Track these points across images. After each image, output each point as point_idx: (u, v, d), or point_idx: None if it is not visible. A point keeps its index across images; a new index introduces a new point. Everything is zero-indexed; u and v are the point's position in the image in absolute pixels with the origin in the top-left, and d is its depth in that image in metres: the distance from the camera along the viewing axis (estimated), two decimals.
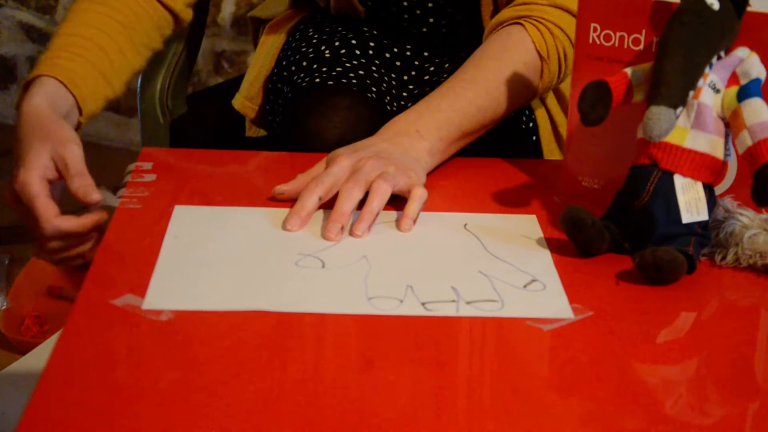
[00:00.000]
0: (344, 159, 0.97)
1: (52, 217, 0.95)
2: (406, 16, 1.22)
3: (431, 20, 1.22)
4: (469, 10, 1.21)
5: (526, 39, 1.09)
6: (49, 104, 1.00)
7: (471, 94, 1.05)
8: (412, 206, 0.95)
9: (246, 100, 1.27)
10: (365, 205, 0.94)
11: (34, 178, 0.95)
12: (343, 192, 0.94)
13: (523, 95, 1.11)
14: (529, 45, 1.09)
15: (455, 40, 1.23)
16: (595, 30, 0.96)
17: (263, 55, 1.27)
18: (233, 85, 1.36)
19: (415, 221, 0.95)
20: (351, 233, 0.93)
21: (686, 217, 0.88)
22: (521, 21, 1.10)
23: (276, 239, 0.91)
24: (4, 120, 2.67)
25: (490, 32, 1.13)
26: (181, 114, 1.41)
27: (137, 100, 1.42)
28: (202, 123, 1.43)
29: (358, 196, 0.94)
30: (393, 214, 0.97)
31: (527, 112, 1.21)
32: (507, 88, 1.07)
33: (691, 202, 0.88)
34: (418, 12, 1.22)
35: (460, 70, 1.09)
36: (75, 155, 0.97)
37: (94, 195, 0.96)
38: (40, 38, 2.60)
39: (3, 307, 1.79)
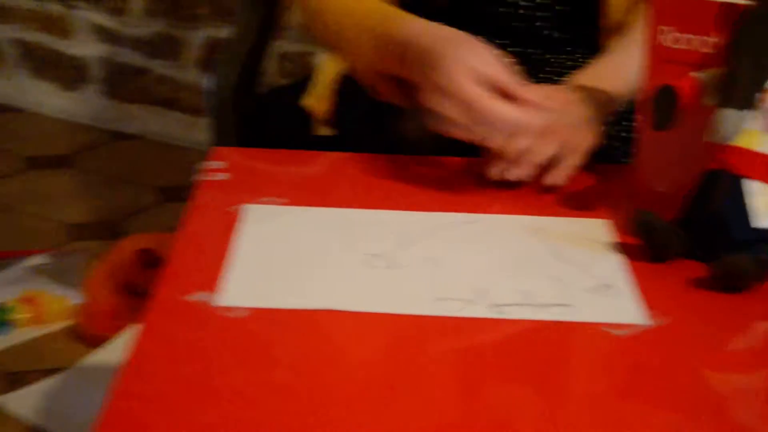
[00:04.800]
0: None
1: (491, 104, 0.93)
2: (502, 10, 1.20)
3: (528, 14, 1.20)
4: (582, 12, 1.19)
5: None
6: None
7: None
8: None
9: (317, 100, 1.28)
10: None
11: (464, 71, 0.94)
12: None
13: None
14: None
15: (547, 38, 1.22)
16: (664, 33, 0.95)
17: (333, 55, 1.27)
18: (300, 85, 1.37)
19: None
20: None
21: (760, 222, 0.87)
22: None
23: (345, 239, 0.92)
24: (77, 119, 2.72)
25: None
26: (248, 113, 1.43)
27: (206, 99, 1.44)
28: (269, 122, 1.44)
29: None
30: (461, 216, 0.97)
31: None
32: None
33: (764, 206, 0.87)
34: (521, 12, 1.20)
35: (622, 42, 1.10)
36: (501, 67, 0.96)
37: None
38: (112, 39, 2.65)
39: (78, 302, 1.83)
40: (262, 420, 0.68)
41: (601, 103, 1.05)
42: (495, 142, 0.97)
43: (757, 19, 0.87)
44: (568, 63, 1.19)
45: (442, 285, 0.85)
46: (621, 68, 1.07)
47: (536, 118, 0.96)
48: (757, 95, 0.86)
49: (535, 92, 0.97)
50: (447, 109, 0.96)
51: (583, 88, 1.05)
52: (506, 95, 0.96)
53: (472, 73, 0.95)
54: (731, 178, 0.87)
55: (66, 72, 2.72)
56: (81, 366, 1.70)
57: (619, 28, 1.18)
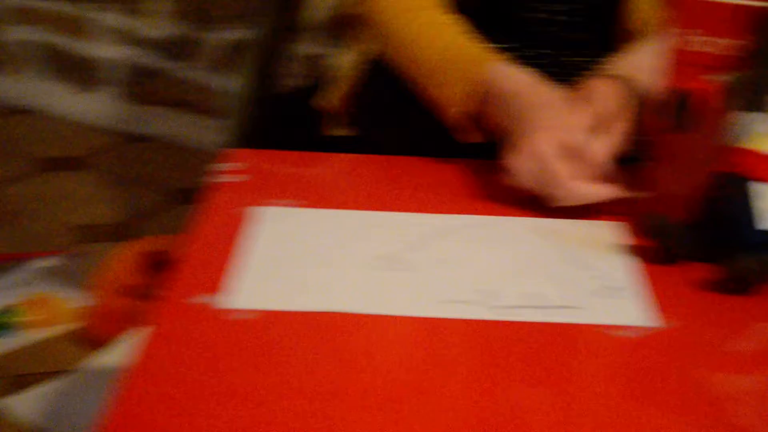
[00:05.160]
0: None
1: (566, 180, 0.96)
2: (542, 17, 1.20)
3: (563, 18, 1.20)
4: (607, 16, 1.19)
5: None
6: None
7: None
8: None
9: (333, 101, 1.28)
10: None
11: (549, 140, 0.97)
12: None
13: None
14: None
15: (586, 42, 1.21)
16: (689, 36, 0.94)
17: (353, 56, 1.27)
18: (317, 86, 1.37)
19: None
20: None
21: None
22: None
23: (357, 241, 0.92)
24: (92, 121, 2.73)
25: None
26: (266, 115, 1.43)
27: (224, 101, 1.44)
28: (285, 124, 1.44)
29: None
30: (471, 218, 0.97)
31: None
32: None
33: None
34: (556, 18, 1.20)
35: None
36: (581, 139, 0.98)
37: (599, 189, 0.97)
38: (129, 41, 2.65)
39: (85, 304, 1.83)
40: (269, 422, 0.68)
41: (638, 91, 1.04)
42: (562, 204, 0.97)
43: None
44: (598, 66, 1.19)
45: (450, 287, 0.84)
46: (643, 66, 1.06)
47: (606, 195, 0.97)
48: None
49: (608, 163, 0.98)
50: (528, 173, 0.97)
51: (618, 77, 1.05)
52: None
53: (557, 142, 0.96)
54: (743, 181, 0.87)
55: (82, 74, 2.73)
56: (86, 369, 1.70)
57: (641, 32, 1.17)
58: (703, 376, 0.75)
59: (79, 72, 2.73)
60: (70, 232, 2.18)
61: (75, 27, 2.71)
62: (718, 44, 0.93)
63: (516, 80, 1.03)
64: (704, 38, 0.94)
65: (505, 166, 0.99)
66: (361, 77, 1.25)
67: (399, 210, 0.98)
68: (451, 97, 1.05)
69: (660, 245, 0.88)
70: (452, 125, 1.06)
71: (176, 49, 2.61)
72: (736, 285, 0.84)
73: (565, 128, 0.97)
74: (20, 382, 1.68)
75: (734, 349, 0.79)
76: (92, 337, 1.76)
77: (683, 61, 0.95)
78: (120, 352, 1.70)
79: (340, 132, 1.29)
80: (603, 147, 0.98)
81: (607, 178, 0.97)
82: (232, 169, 1.06)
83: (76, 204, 2.30)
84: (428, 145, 1.11)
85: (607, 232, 0.95)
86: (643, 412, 0.71)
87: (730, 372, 0.76)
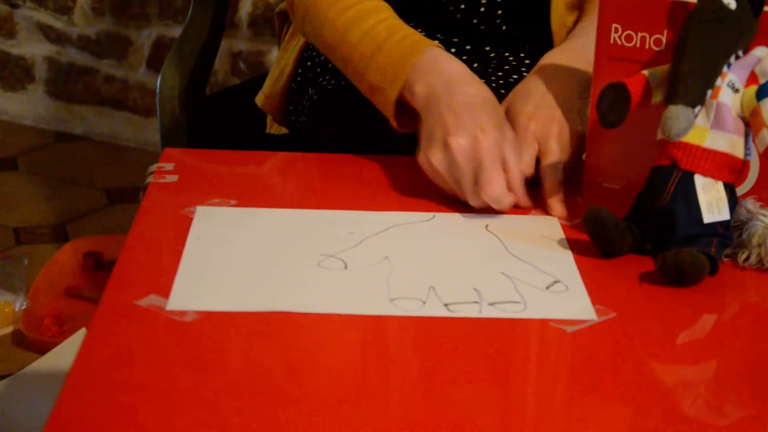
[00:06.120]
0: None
1: (500, 188, 0.94)
2: (463, 7, 1.20)
3: (482, 10, 1.20)
4: (533, 6, 1.19)
5: None
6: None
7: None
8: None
9: (269, 98, 1.27)
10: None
11: (498, 142, 0.95)
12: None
13: None
14: None
15: (506, 35, 1.22)
16: (616, 31, 0.96)
17: (288, 53, 1.26)
18: (251, 85, 1.36)
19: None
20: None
21: (707, 217, 0.88)
22: None
23: (298, 240, 0.92)
24: (22, 120, 2.69)
25: None
26: (199, 113, 1.42)
27: (156, 99, 1.42)
28: (220, 122, 1.44)
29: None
30: (415, 215, 0.97)
31: None
32: None
33: (712, 201, 0.88)
34: (481, 11, 1.19)
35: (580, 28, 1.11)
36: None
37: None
38: (58, 39, 2.61)
39: (23, 307, 1.80)
40: (215, 424, 0.68)
41: (579, 87, 1.04)
42: (476, 204, 0.97)
43: (704, 16, 0.87)
44: (526, 61, 1.20)
45: (396, 285, 0.85)
46: (583, 56, 1.07)
47: (526, 204, 0.98)
48: (708, 92, 0.87)
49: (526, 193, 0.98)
50: (461, 166, 0.95)
51: (555, 76, 1.05)
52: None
53: (494, 143, 0.95)
54: (679, 173, 0.88)
55: (10, 72, 2.68)
56: (25, 372, 1.67)
57: (565, 28, 1.18)
58: (648, 367, 0.77)
59: (8, 71, 2.69)
60: (4, 234, 2.15)
61: (2, 25, 2.66)
62: (648, 39, 0.95)
63: (455, 67, 1.01)
64: (633, 33, 0.95)
65: (423, 159, 0.97)
66: (292, 74, 1.24)
67: (339, 208, 0.98)
68: (386, 80, 1.02)
69: (600, 239, 0.90)
70: (386, 113, 1.03)
71: (109, 46, 2.57)
72: (673, 277, 0.86)
73: (502, 131, 0.96)
74: None
75: (673, 339, 0.81)
76: (31, 340, 1.73)
77: (615, 56, 0.96)
78: (61, 356, 1.68)
79: (281, 130, 1.29)
80: (531, 159, 0.98)
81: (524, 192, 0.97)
82: (168, 170, 1.04)
83: (9, 205, 2.26)
84: (367, 142, 1.11)
85: (550, 227, 0.96)
86: (591, 404, 0.72)
87: (674, 363, 0.78)
